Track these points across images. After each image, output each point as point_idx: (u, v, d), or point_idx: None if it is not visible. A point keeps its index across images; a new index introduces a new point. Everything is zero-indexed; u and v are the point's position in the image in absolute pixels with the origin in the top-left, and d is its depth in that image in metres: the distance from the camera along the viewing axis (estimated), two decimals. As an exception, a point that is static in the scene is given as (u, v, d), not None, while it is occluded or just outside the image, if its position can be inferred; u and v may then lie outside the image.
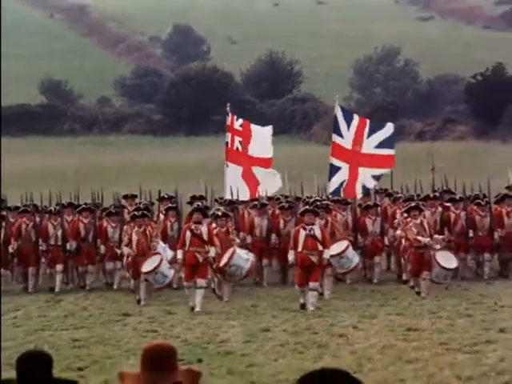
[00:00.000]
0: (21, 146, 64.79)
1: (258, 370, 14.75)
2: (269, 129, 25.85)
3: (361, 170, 24.69)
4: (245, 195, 23.95)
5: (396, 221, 22.05)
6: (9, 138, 73.23)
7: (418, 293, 20.13)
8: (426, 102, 78.49)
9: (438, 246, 20.50)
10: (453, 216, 22.59)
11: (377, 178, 24.81)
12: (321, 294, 19.91)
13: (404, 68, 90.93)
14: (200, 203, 22.50)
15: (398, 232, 21.32)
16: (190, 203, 23.03)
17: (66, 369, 13.21)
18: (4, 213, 22.93)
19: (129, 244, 20.49)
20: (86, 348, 16.52)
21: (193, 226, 19.89)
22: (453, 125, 69.15)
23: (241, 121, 25.41)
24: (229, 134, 25.02)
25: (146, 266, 19.85)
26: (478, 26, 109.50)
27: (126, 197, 24.32)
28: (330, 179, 24.93)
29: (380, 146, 24.97)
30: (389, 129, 25.42)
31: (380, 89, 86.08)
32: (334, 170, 24.96)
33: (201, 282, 19.30)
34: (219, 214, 21.15)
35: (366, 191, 24.23)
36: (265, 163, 24.82)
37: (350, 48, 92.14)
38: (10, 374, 6.40)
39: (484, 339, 16.55)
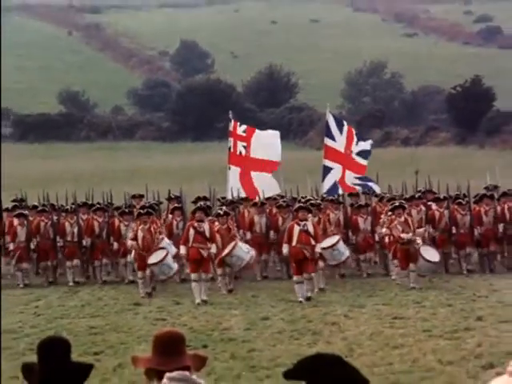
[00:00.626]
0: (41, 151, 64.94)
1: (258, 355, 14.76)
2: (276, 133, 25.78)
3: (347, 172, 24.76)
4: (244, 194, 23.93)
5: (381, 220, 22.00)
6: (30, 143, 73.44)
7: (413, 287, 19.91)
8: (410, 111, 78.74)
9: (419, 240, 20.44)
10: (437, 214, 22.52)
11: (362, 181, 24.78)
12: (321, 290, 19.91)
13: (390, 80, 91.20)
14: (203, 203, 22.42)
15: (384, 230, 21.22)
16: (195, 203, 22.98)
17: (83, 353, 13.19)
18: (26, 212, 22.87)
19: (134, 239, 20.38)
20: (101, 334, 16.52)
21: (196, 224, 19.83)
22: (435, 132, 69.35)
23: (244, 127, 25.35)
24: (231, 140, 24.98)
25: (153, 258, 19.81)
26: (458, 42, 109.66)
27: (133, 196, 24.27)
28: (323, 180, 24.96)
29: (359, 154, 25.05)
30: (368, 143, 25.51)
31: (369, 98, 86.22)
32: (326, 170, 24.99)
33: (205, 275, 19.27)
34: (221, 212, 21.14)
35: (368, 190, 24.14)
36: (271, 166, 24.72)
37: (342, 62, 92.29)
38: (32, 358, 6.39)
39: (463, 326, 16.55)
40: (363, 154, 25.12)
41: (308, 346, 14.48)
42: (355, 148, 25.07)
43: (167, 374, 5.74)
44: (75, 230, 22.19)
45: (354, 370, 5.87)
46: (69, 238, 22.16)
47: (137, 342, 15.00)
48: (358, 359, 12.61)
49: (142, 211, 21.19)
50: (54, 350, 6.27)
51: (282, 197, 24.38)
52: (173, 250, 20.22)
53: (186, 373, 5.82)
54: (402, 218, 20.59)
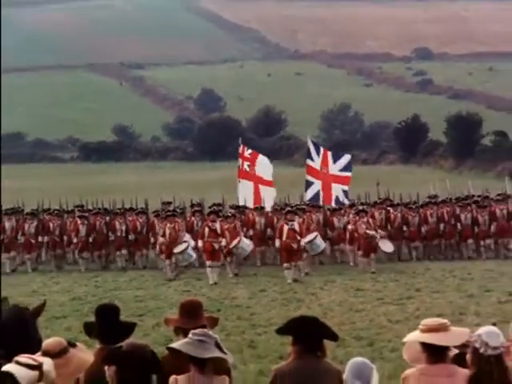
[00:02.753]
0: (99, 169, 64.98)
1: (257, 317, 14.74)
2: (269, 163, 25.45)
3: (334, 185, 24.46)
4: (251, 203, 23.60)
5: (348, 219, 21.70)
6: (92, 163, 73.56)
7: (373, 272, 19.45)
8: (368, 140, 78.99)
9: (378, 235, 20.20)
10: (392, 216, 22.25)
11: (345, 191, 24.56)
12: (306, 274, 19.48)
13: (354, 117, 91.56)
14: (216, 208, 22.25)
15: (350, 227, 21.03)
16: (210, 207, 22.82)
17: (130, 315, 13.15)
18: (86, 214, 22.70)
19: (163, 235, 20.17)
20: (143, 302, 16.52)
21: (210, 224, 19.70)
22: (386, 154, 69.53)
23: (250, 150, 25.20)
24: (240, 160, 24.85)
25: (178, 249, 19.67)
26: (402, 90, 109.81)
27: (164, 203, 23.97)
28: (306, 190, 24.77)
29: (342, 170, 24.85)
30: (346, 159, 25.27)
31: (338, 130, 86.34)
32: (308, 184, 24.81)
33: (216, 263, 19.03)
34: (229, 215, 21.01)
35: (339, 203, 23.70)
36: (267, 183, 24.52)
37: (319, 104, 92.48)
38: (91, 318, 6.36)
39: (406, 296, 16.54)
40: (346, 168, 24.86)
41: (294, 311, 14.45)
42: (336, 166, 24.77)
43: (192, 331, 5.71)
44: (123, 227, 22.00)
45: (327, 327, 5.85)
46: (118, 234, 21.94)
47: (169, 307, 14.98)
48: (330, 320, 12.58)
49: (168, 213, 21.09)
50: (107, 312, 6.25)
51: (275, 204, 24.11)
52: (192, 242, 20.09)
53: (205, 329, 5.80)
54: (365, 219, 20.45)
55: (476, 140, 59.65)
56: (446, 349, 5.46)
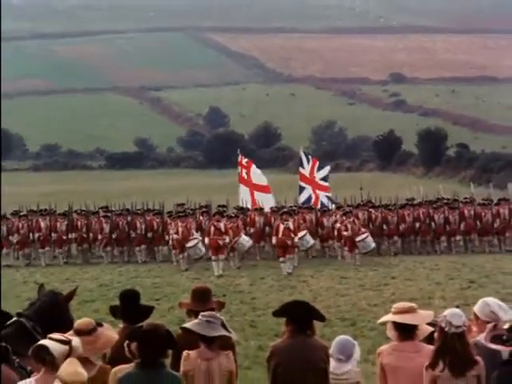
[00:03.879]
0: (123, 175, 64.89)
1: (257, 301, 14.74)
2: (258, 170, 25.12)
3: (317, 191, 24.43)
4: (249, 205, 23.45)
5: (336, 219, 21.43)
6: (116, 170, 73.46)
7: (358, 265, 19.17)
8: (351, 150, 78.94)
9: (363, 236, 19.94)
10: (374, 216, 22.02)
11: (328, 197, 24.49)
12: (295, 267, 19.17)
13: (339, 132, 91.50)
14: (221, 209, 22.11)
15: (337, 225, 20.77)
16: (217, 209, 22.72)
17: (148, 299, 13.13)
18: (109, 214, 22.58)
19: (176, 233, 19.98)
20: (160, 288, 16.51)
21: (215, 223, 19.47)
22: (366, 163, 69.36)
23: (246, 159, 25.17)
24: (239, 167, 24.85)
25: (189, 244, 19.49)
26: (379, 108, 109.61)
27: (177, 205, 23.69)
28: (299, 194, 24.71)
29: (322, 179, 24.83)
30: (326, 170, 25.23)
31: (326, 143, 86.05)
32: (301, 188, 24.78)
33: (221, 256, 18.77)
34: (232, 215, 20.84)
35: (324, 206, 23.47)
36: (263, 189, 24.35)
37: (309, 120, 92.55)
38: (116, 302, 6.36)
39: (383, 282, 16.55)
40: (325, 178, 24.86)
41: (288, 296, 14.43)
42: (319, 175, 24.77)
43: (201, 313, 5.71)
44: (143, 226, 21.77)
45: (316, 310, 5.84)
46: (138, 232, 21.71)
47: (182, 293, 14.95)
48: (319, 304, 12.56)
49: (180, 214, 20.98)
50: (129, 297, 6.25)
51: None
52: (200, 238, 19.89)
53: (213, 312, 5.80)
54: (351, 219, 20.24)
55: (442, 151, 59.91)
56: (413, 328, 5.47)
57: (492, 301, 5.90)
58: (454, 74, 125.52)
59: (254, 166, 24.95)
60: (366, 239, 19.92)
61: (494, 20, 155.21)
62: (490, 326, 5.64)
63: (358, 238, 19.85)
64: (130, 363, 4.97)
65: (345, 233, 19.95)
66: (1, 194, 23.77)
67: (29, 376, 4.92)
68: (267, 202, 23.65)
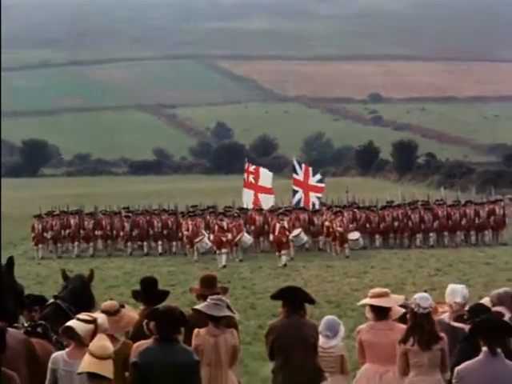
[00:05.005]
0: (143, 180, 64.62)
1: (257, 286, 14.74)
2: (270, 173, 25.02)
3: (310, 193, 24.14)
4: (251, 206, 23.09)
5: (326, 218, 21.10)
6: (137, 176, 72.97)
7: (347, 256, 18.84)
8: (336, 159, 79.02)
9: (352, 234, 19.77)
10: (358, 216, 21.70)
11: (319, 198, 24.27)
12: (292, 259, 18.89)
13: (326, 142, 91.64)
14: (226, 209, 21.76)
15: (327, 223, 20.46)
16: (225, 209, 22.44)
17: (164, 285, 13.09)
18: (130, 214, 22.28)
19: (187, 230, 19.83)
20: (174, 275, 16.50)
21: (219, 222, 19.26)
22: (349, 170, 69.23)
23: (254, 166, 24.88)
24: (245, 174, 24.56)
25: (198, 239, 19.30)
26: (359, 123, 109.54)
27: (191, 206, 23.15)
28: (293, 197, 24.46)
29: (318, 181, 24.61)
30: (320, 175, 25.02)
31: (315, 152, 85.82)
32: (294, 192, 24.56)
33: (224, 250, 18.45)
34: (235, 215, 20.53)
35: (314, 206, 23.09)
36: (268, 190, 24.09)
37: (301, 133, 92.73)
38: (137, 287, 6.35)
39: (363, 271, 16.56)
40: (320, 181, 24.67)
41: (283, 282, 14.40)
42: (314, 179, 24.50)
43: (209, 297, 5.71)
44: (159, 224, 21.49)
45: (307, 294, 5.84)
46: (155, 229, 21.46)
47: (193, 279, 14.91)
48: (309, 289, 12.50)
49: (190, 213, 20.81)
50: (149, 283, 6.25)
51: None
52: (207, 235, 19.61)
53: (219, 296, 5.79)
54: (340, 218, 19.93)
55: (413, 159, 59.84)
56: (387, 310, 5.48)
57: (454, 287, 5.94)
58: (423, 95, 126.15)
59: (262, 169, 24.68)
60: (359, 240, 19.76)
61: (454, 49, 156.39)
62: (454, 306, 5.67)
63: (351, 237, 19.55)
64: (148, 339, 4.97)
65: (339, 229, 19.58)
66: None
67: (64, 349, 4.94)
68: (268, 201, 23.48)
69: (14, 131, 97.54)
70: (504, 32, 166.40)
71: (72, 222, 21.63)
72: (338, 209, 21.11)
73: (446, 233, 21.52)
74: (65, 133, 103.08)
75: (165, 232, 21.47)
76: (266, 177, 24.41)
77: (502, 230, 21.86)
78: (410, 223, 21.52)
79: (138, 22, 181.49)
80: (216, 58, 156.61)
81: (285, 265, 17.79)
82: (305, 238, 20.03)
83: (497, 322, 4.50)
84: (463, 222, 21.46)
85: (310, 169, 24.99)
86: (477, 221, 21.50)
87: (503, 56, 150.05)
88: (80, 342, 4.77)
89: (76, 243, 21.44)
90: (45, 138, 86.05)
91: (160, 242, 21.39)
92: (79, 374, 4.41)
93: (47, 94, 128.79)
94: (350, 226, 20.13)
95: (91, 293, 6.11)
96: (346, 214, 21.03)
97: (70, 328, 4.83)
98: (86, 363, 4.34)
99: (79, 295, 5.89)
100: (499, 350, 4.36)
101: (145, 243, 21.57)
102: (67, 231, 21.47)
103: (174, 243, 21.41)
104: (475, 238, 21.54)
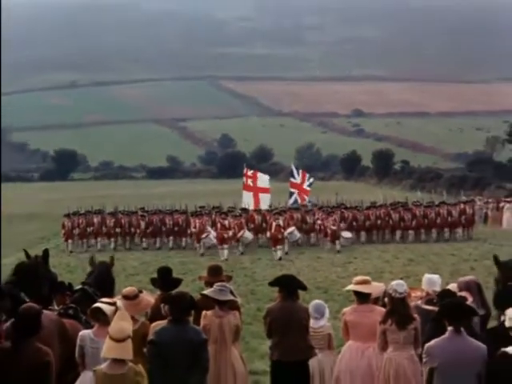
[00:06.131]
0: (158, 184, 64.38)
1: (256, 275, 14.72)
2: (266, 176, 24.90)
3: (304, 196, 23.99)
4: (251, 206, 22.63)
5: (317, 217, 20.79)
6: (154, 180, 72.99)
7: (338, 251, 18.37)
8: (324, 165, 78.98)
9: (344, 233, 19.53)
10: (346, 215, 21.31)
11: (310, 200, 24.12)
12: (286, 254, 18.45)
13: (316, 152, 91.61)
14: (231, 209, 21.53)
15: (320, 222, 20.19)
16: (228, 209, 22.24)
17: (177, 274, 12.97)
18: (145, 214, 21.91)
19: (195, 227, 19.60)
20: (186, 265, 16.41)
21: (221, 220, 19.04)
22: (335, 175, 69.14)
23: (252, 171, 24.73)
24: (244, 178, 24.43)
25: (203, 236, 19.02)
26: (344, 135, 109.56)
27: (200, 207, 22.75)
28: (289, 198, 24.30)
29: (308, 186, 24.47)
30: (311, 181, 24.84)
31: (306, 159, 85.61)
32: (290, 194, 24.40)
33: (225, 246, 18.20)
34: (237, 214, 20.28)
35: (305, 206, 22.82)
36: (265, 190, 23.89)
37: (294, 144, 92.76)
38: (154, 275, 6.36)
39: (348, 261, 16.53)
40: (310, 185, 24.56)
41: (279, 271, 14.31)
42: (307, 183, 24.39)
43: (215, 284, 5.72)
44: (171, 222, 21.24)
45: (300, 281, 5.84)
46: (167, 227, 21.21)
47: (201, 269, 14.83)
48: (301, 277, 12.39)
49: (197, 213, 20.60)
50: (164, 272, 6.26)
51: (270, 206, 23.10)
52: (213, 232, 19.25)
53: (224, 283, 5.80)
54: (332, 217, 19.61)
55: (390, 166, 59.90)
56: (368, 295, 5.50)
57: (432, 277, 6.00)
58: (399, 110, 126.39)
59: (260, 174, 24.57)
60: (351, 238, 19.59)
61: (426, 72, 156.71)
62: (432, 294, 5.72)
63: (344, 235, 19.33)
64: (164, 320, 4.99)
65: (332, 227, 19.29)
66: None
67: (91, 329, 4.98)
68: (265, 200, 23.36)
69: (47, 142, 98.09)
70: (467, 58, 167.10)
71: (95, 220, 21.52)
72: (330, 209, 20.89)
73: (422, 230, 21.41)
74: (91, 143, 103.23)
75: (175, 229, 21.28)
76: (263, 180, 24.34)
77: (471, 227, 21.82)
78: (391, 221, 21.37)
79: (153, 47, 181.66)
80: (221, 78, 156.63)
81: (280, 258, 17.64)
82: (298, 234, 19.77)
83: (460, 305, 4.53)
84: (438, 220, 21.34)
85: (307, 175, 24.93)
86: (449, 219, 21.40)
87: (467, 78, 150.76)
88: (105, 322, 4.80)
89: (99, 239, 21.35)
90: (74, 147, 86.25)
91: (171, 238, 21.21)
92: (104, 358, 4.39)
93: (75, 111, 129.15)
94: (341, 225, 19.95)
95: (113, 278, 6.15)
96: (335, 214, 20.79)
97: (99, 309, 4.89)
98: (107, 348, 4.31)
99: (103, 280, 5.93)
100: (462, 329, 4.38)
101: (158, 239, 21.40)
102: (91, 228, 21.38)
103: (184, 239, 21.25)
104: (448, 234, 21.38)
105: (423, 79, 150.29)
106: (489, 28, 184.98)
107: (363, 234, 21.41)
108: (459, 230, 21.52)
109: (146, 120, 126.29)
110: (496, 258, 5.97)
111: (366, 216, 21.53)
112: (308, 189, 24.52)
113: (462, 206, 22.12)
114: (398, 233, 21.27)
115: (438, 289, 5.77)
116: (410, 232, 21.26)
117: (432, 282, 5.88)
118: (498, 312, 4.98)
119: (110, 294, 5.62)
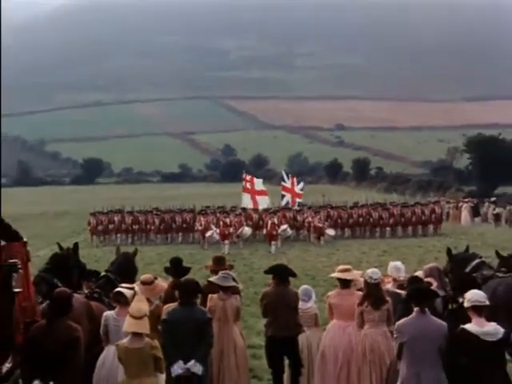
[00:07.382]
0: (170, 187, 64.19)
1: (255, 264, 14.69)
2: (260, 180, 24.58)
3: (295, 198, 23.77)
4: (250, 206, 22.34)
5: (306, 215, 20.40)
6: (168, 183, 72.80)
7: (322, 246, 18.21)
8: (311, 171, 78.93)
9: (329, 230, 19.37)
10: (332, 214, 21.03)
11: (300, 201, 23.93)
12: (279, 247, 18.15)
13: (304, 159, 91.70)
14: (231, 209, 21.22)
15: (309, 219, 19.86)
16: (230, 208, 22.06)
17: (186, 263, 12.62)
18: (159, 213, 21.64)
19: (200, 225, 19.27)
20: (194, 256, 16.33)
21: (223, 219, 18.83)
22: (321, 179, 68.85)
23: (250, 176, 24.52)
24: (243, 181, 24.25)
25: (208, 233, 18.74)
26: (328, 145, 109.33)
27: (205, 207, 22.66)
28: (281, 199, 24.13)
29: (300, 190, 24.30)
30: (302, 184, 24.64)
31: (296, 166, 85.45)
32: (282, 196, 24.24)
33: (227, 241, 17.91)
34: (237, 213, 20.08)
35: (298, 207, 22.59)
36: (262, 193, 23.66)
37: (285, 153, 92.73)
38: (167, 264, 6.35)
39: (331, 252, 16.48)
40: (301, 189, 24.39)
41: (273, 261, 14.26)
42: (297, 187, 24.16)
43: (220, 272, 5.73)
44: (180, 220, 21.07)
45: (290, 269, 5.84)
46: (177, 224, 21.02)
47: (207, 259, 14.73)
48: (292, 265, 12.36)
49: (202, 211, 20.48)
50: (176, 261, 6.26)
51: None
52: (216, 230, 18.90)
53: (227, 271, 5.81)
54: (319, 216, 19.45)
55: (367, 171, 60.08)
56: (349, 281, 5.51)
57: (396, 264, 6.01)
58: (373, 125, 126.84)
59: (256, 179, 24.41)
60: (334, 235, 19.41)
61: (396, 92, 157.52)
62: (399, 279, 5.73)
63: (329, 233, 19.12)
64: (175, 302, 5.00)
65: (318, 224, 19.19)
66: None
67: (113, 310, 4.99)
68: (264, 201, 23.19)
69: (76, 152, 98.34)
70: (432, 79, 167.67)
71: (116, 218, 21.40)
72: (317, 209, 20.74)
73: (399, 227, 21.36)
74: (114, 153, 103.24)
75: (184, 226, 21.09)
76: (259, 184, 24.24)
77: (440, 224, 21.79)
78: (371, 219, 21.20)
79: (167, 72, 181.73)
80: (224, 98, 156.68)
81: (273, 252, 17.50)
82: (290, 231, 19.63)
83: (425, 289, 4.58)
84: (413, 218, 21.24)
85: (295, 179, 24.86)
86: (423, 218, 21.34)
87: (432, 97, 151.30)
88: (125, 304, 4.82)
89: (119, 235, 21.23)
90: (99, 156, 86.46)
91: (180, 234, 21.04)
92: (125, 332, 4.43)
93: (101, 125, 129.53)
94: (326, 223, 19.79)
95: (135, 266, 6.14)
96: (322, 213, 20.56)
97: (120, 292, 4.92)
98: (128, 324, 4.38)
99: (125, 268, 5.94)
100: (427, 310, 4.42)
101: (169, 234, 21.24)
102: (112, 225, 21.28)
103: (191, 234, 21.09)
104: (421, 230, 21.30)
105: (394, 99, 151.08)
106: (453, 52, 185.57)
107: (347, 230, 21.25)
108: (430, 227, 21.52)
109: (161, 133, 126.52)
110: (449, 251, 6.04)
111: (349, 214, 21.37)
112: (300, 192, 24.44)
113: (432, 206, 22.18)
114: (378, 229, 21.18)
115: (402, 274, 5.80)
116: (388, 229, 21.16)
117: (397, 268, 5.94)
118: (455, 294, 5.01)
119: (131, 280, 5.63)
